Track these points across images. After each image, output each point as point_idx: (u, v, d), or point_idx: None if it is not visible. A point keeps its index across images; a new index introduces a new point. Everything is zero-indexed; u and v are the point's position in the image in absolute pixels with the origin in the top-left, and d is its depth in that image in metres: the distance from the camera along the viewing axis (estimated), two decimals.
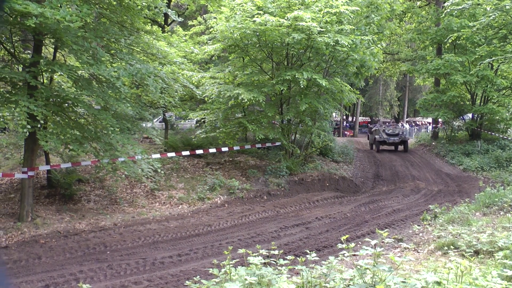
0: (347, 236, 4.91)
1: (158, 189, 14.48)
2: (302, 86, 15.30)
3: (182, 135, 20.53)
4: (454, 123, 27.46)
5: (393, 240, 6.05)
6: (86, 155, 13.84)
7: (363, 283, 3.75)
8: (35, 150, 11.52)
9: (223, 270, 4.65)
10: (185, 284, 5.71)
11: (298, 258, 4.79)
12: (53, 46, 11.73)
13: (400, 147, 28.91)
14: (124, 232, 10.67)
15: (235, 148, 17.53)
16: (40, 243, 9.78)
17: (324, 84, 15.24)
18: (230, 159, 18.49)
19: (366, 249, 4.05)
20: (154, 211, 12.87)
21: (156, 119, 23.88)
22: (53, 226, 10.88)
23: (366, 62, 16.90)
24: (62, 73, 10.77)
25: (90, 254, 9.06)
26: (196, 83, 17.20)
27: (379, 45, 18.49)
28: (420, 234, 8.63)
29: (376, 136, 28.70)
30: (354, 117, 53.48)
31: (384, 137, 27.95)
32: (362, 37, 15.72)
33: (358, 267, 3.91)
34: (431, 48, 28.51)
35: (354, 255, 5.08)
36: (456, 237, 7.22)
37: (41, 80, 11.24)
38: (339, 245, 4.54)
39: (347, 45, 14.89)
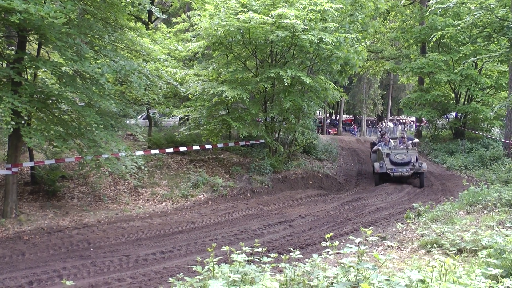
0: (331, 234, 4.95)
1: (142, 186, 14.45)
2: (286, 84, 15.34)
3: (166, 132, 20.47)
4: (438, 121, 27.68)
5: (377, 238, 6.10)
6: (69, 152, 13.78)
7: (347, 281, 3.79)
8: (19, 147, 11.45)
9: (206, 267, 4.66)
10: (168, 281, 5.73)
11: (281, 255, 4.82)
12: (37, 42, 11.65)
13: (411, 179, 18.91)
14: (108, 229, 10.64)
15: (219, 145, 17.52)
16: (23, 239, 9.73)
17: (308, 81, 15.31)
18: (214, 156, 18.48)
19: (350, 247, 4.09)
20: (137, 208, 12.85)
21: (139, 116, 23.78)
22: (37, 222, 10.83)
23: (350, 60, 16.99)
24: (46, 70, 10.73)
25: (73, 251, 9.03)
26: (180, 80, 17.17)
27: (363, 43, 18.59)
28: (404, 232, 8.70)
29: (375, 164, 18.60)
30: (338, 115, 53.66)
31: (387, 167, 17.82)
32: (346, 35, 15.79)
33: (342, 265, 3.94)
34: (415, 46, 28.73)
35: (338, 253, 5.12)
36: (439, 236, 7.28)
37: (25, 77, 11.18)
38: (323, 243, 4.57)
39: (331, 43, 14.96)
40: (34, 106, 10.43)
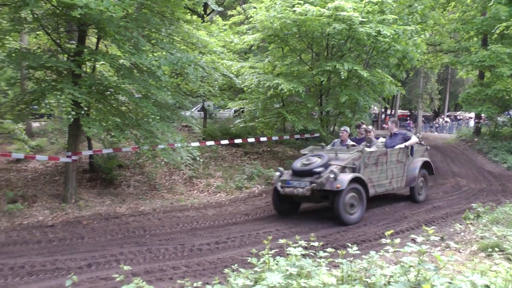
0: (391, 231, 4.84)
1: (196, 177, 14.61)
2: (342, 77, 15.11)
3: (221, 124, 20.62)
4: (499, 118, 26.59)
5: (438, 238, 5.89)
6: (126, 142, 14.08)
7: (407, 281, 3.68)
8: (79, 136, 11.84)
9: (261, 259, 4.66)
10: (223, 271, 5.76)
11: (337, 251, 4.74)
12: (96, 36, 11.95)
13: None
14: (163, 218, 10.86)
15: (274, 138, 17.49)
16: (82, 224, 10.12)
17: (365, 75, 15.04)
18: (268, 149, 18.48)
19: (411, 246, 3.98)
20: (192, 198, 13.01)
21: (194, 108, 24.06)
22: (95, 208, 11.21)
23: (408, 53, 16.53)
24: (104, 62, 11.03)
25: (130, 237, 9.26)
26: (235, 72, 17.23)
27: (422, 36, 18.08)
28: (462, 234, 8.38)
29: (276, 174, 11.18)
30: (393, 110, 52.65)
31: (279, 180, 10.69)
32: (405, 27, 15.39)
33: (402, 264, 3.84)
34: (475, 39, 27.61)
35: (395, 251, 4.99)
36: (501, 239, 6.94)
37: (84, 69, 11.49)
38: (383, 240, 4.47)
39: (389, 36, 14.62)
40: (93, 97, 10.77)
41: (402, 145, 12.05)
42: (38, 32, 12.05)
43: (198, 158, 13.45)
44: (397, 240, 4.23)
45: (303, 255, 4.61)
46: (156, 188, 13.43)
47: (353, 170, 10.56)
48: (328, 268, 4.52)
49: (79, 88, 10.12)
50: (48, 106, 12.97)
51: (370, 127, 12.67)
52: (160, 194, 13.12)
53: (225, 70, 14.99)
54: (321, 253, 4.66)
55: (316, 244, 4.76)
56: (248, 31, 18.74)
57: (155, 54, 11.42)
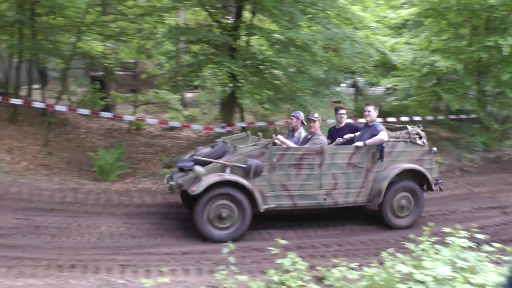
0: None
1: None
2: (504, 54, 13.88)
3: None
4: None
5: None
6: (277, 115, 14.29)
7: None
8: (233, 108, 12.24)
9: (420, 246, 4.50)
10: (377, 254, 5.66)
11: (505, 247, 4.39)
12: (251, 11, 12.18)
13: None
14: None
15: (428, 118, 16.72)
16: None
17: None
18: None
19: None
20: None
21: (343, 84, 23.81)
22: None
23: None
24: (259, 37, 11.22)
25: (281, 210, 9.37)
26: (390, 48, 16.64)
27: None
28: None
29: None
30: None
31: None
32: None
33: None
34: None
35: None
36: None
37: (239, 44, 11.86)
38: None
39: None
40: (248, 70, 11.04)
41: (360, 144, 8.18)
42: (196, 9, 12.62)
43: None
44: None
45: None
46: None
47: (245, 170, 7.56)
48: (493, 265, 4.21)
49: (235, 61, 10.43)
50: (202, 78, 13.59)
51: (316, 114, 8.60)
52: None
53: (380, 46, 14.52)
54: (486, 247, 4.38)
55: (481, 236, 4.46)
56: (403, 5, 18.00)
57: (311, 29, 11.41)
